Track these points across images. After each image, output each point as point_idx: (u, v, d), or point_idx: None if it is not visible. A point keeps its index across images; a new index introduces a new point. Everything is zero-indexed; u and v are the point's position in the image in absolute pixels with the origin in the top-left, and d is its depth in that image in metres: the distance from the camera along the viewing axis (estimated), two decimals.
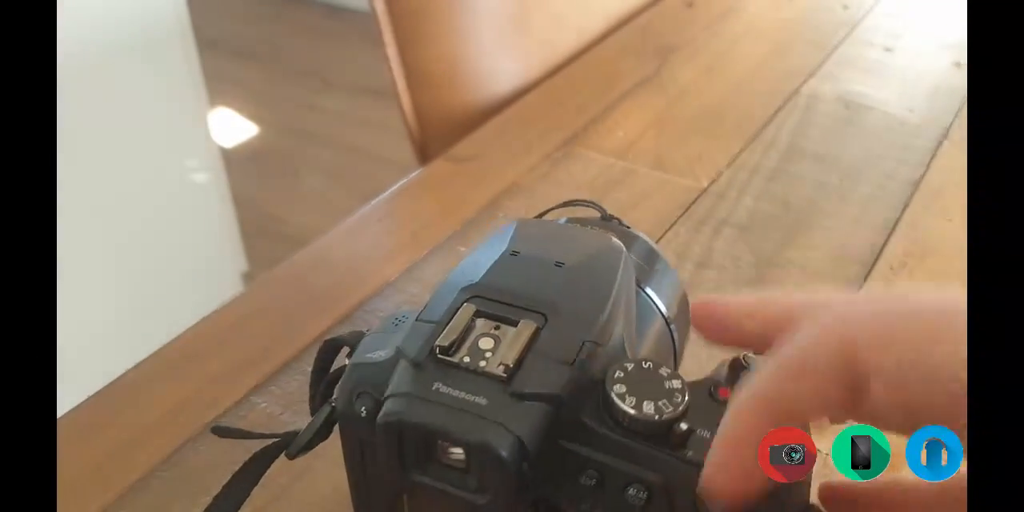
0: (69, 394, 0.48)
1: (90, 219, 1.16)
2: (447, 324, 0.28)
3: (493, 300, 0.29)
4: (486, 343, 0.28)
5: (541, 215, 0.41)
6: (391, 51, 0.68)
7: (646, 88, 0.69)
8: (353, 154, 2.05)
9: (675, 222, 0.55)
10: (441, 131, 0.71)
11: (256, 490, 0.40)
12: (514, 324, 0.28)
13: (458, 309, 0.28)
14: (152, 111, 1.24)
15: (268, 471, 0.40)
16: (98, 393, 0.45)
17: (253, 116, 2.18)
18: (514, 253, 0.30)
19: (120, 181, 1.20)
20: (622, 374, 0.27)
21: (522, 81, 0.72)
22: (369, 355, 0.29)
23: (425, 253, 0.53)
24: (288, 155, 2.05)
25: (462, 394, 0.26)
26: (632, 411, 0.26)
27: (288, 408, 0.44)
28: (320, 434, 0.31)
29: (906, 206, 0.57)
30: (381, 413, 0.27)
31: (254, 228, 1.62)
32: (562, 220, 0.37)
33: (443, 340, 0.27)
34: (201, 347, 0.47)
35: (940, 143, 0.63)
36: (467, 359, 0.27)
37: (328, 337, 0.33)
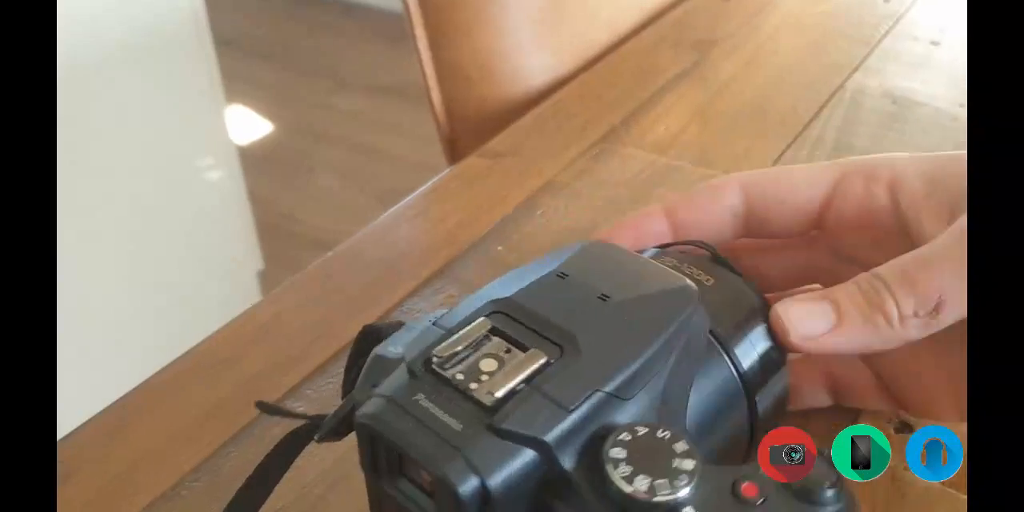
0: (88, 398, 0.46)
1: (105, 217, 1.15)
2: (454, 335, 0.26)
3: (515, 320, 0.26)
4: (488, 365, 0.25)
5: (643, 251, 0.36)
6: (422, 45, 0.66)
7: (685, 82, 0.67)
8: (367, 153, 2.04)
9: None
10: (472, 127, 0.69)
11: (290, 501, 0.38)
12: (526, 351, 0.25)
13: (473, 322, 0.26)
14: (169, 109, 1.23)
15: (304, 481, 0.39)
16: (125, 397, 0.43)
17: (268, 115, 2.17)
18: (561, 275, 0.28)
19: (136, 179, 1.19)
20: (628, 437, 0.23)
21: (556, 75, 0.70)
22: (390, 348, 0.27)
23: (462, 252, 0.51)
24: (303, 154, 2.04)
25: (439, 413, 0.24)
26: (622, 483, 0.22)
27: (326, 412, 0.42)
28: (347, 422, 0.29)
29: None
30: (358, 412, 0.25)
31: (268, 227, 1.60)
32: (649, 252, 0.33)
33: (443, 351, 0.25)
34: (232, 350, 0.45)
35: None
36: (460, 377, 0.24)
37: (368, 323, 0.31)
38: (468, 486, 0.23)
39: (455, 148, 0.69)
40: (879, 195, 0.35)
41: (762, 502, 0.23)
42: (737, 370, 0.29)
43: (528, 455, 0.23)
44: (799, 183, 0.36)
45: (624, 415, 0.24)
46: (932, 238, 0.32)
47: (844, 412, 0.39)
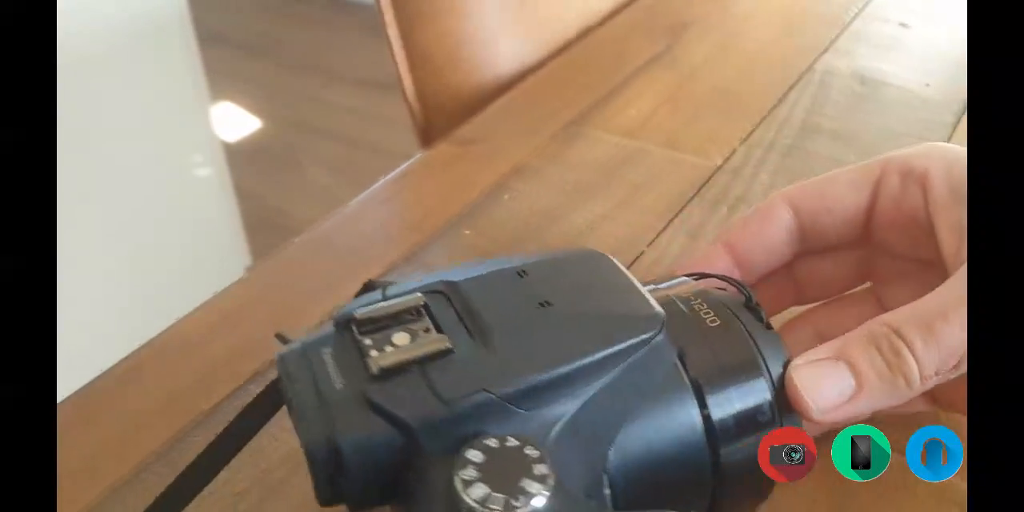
0: (65, 388, 0.46)
1: (92, 214, 1.15)
2: (385, 301, 0.26)
3: (451, 303, 0.26)
4: (401, 338, 0.25)
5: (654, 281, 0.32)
6: (392, 31, 0.66)
7: (657, 66, 0.67)
8: (357, 148, 2.04)
9: (689, 200, 0.53)
10: (444, 114, 0.69)
11: (250, 484, 0.38)
12: (440, 334, 0.25)
13: (411, 294, 0.26)
14: (153, 106, 1.23)
15: (265, 464, 0.39)
16: (88, 384, 0.43)
17: (259, 110, 2.17)
18: (521, 273, 0.27)
19: (122, 176, 1.19)
20: (495, 444, 0.22)
21: (528, 61, 0.70)
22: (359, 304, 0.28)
23: (430, 237, 0.51)
24: (292, 149, 2.04)
25: (332, 370, 0.24)
26: (460, 485, 0.22)
27: None
28: None
29: None
30: (277, 352, 0.26)
31: (257, 222, 1.60)
32: (677, 280, 0.31)
33: (366, 313, 0.25)
34: (198, 335, 0.46)
35: (960, 118, 0.61)
36: (368, 342, 0.25)
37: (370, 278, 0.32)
38: (319, 446, 0.23)
39: (428, 136, 0.69)
40: (914, 192, 0.34)
41: None
42: (703, 416, 0.27)
43: (390, 433, 0.23)
44: (843, 189, 0.35)
45: (513, 425, 0.23)
46: (947, 251, 0.32)
47: None
